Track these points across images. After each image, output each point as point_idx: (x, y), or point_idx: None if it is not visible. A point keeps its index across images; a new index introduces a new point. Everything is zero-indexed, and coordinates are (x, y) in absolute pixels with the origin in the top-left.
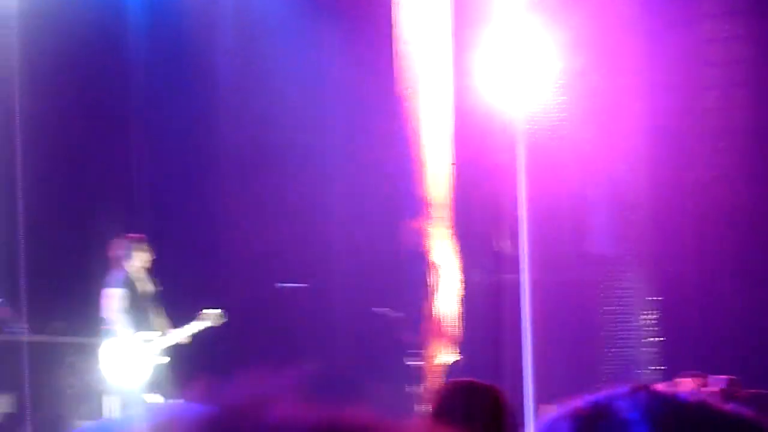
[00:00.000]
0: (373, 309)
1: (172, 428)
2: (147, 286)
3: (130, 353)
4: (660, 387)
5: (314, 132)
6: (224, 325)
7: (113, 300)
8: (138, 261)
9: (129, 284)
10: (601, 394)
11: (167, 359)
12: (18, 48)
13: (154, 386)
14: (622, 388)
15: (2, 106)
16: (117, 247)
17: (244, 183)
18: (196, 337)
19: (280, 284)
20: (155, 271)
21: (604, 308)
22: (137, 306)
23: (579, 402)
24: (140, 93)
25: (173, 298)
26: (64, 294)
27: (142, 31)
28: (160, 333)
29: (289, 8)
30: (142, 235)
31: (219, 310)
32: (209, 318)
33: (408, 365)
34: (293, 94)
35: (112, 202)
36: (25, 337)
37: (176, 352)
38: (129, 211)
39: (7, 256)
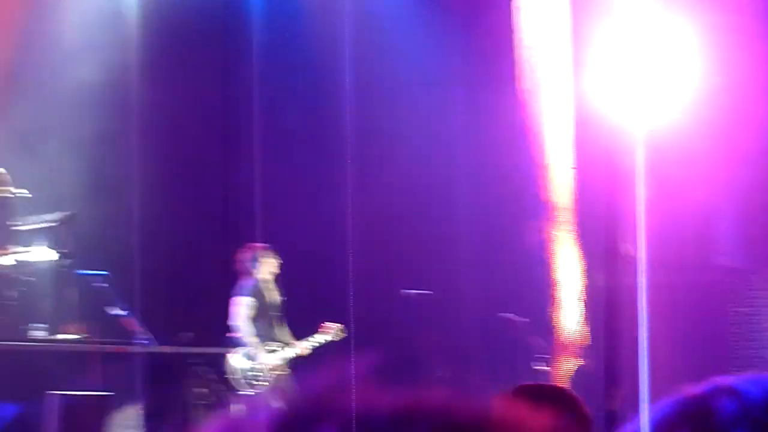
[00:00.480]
0: (499, 314)
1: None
2: (273, 295)
3: (255, 363)
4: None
5: (437, 137)
6: (350, 332)
7: (240, 309)
8: (265, 270)
9: (256, 293)
10: (706, 387)
11: (288, 370)
12: (136, 45)
13: (278, 395)
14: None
15: (119, 106)
16: (244, 256)
17: (366, 189)
18: (320, 347)
19: (405, 291)
20: (279, 280)
21: (728, 312)
22: (264, 315)
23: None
24: (258, 95)
25: (296, 307)
26: (192, 304)
27: (260, 31)
28: (283, 344)
29: (410, 12)
30: (268, 244)
31: (340, 325)
32: (331, 332)
33: (535, 370)
34: (415, 100)
35: (237, 210)
36: (153, 348)
37: (301, 360)
38: (254, 219)
39: (133, 267)
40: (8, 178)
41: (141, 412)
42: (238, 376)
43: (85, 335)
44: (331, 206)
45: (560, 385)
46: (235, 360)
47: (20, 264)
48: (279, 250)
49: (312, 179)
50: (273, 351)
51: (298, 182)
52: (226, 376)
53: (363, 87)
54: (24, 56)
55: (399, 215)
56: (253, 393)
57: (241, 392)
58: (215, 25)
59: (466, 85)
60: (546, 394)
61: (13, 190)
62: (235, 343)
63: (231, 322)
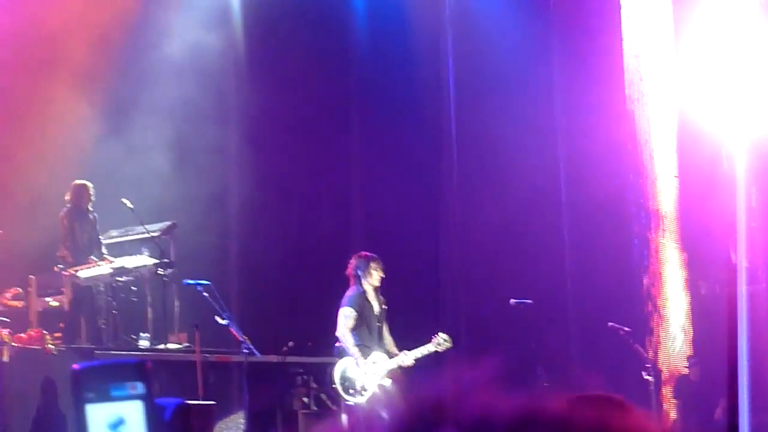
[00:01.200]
0: (609, 324)
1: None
2: (378, 304)
3: (361, 372)
4: None
5: (541, 146)
6: (458, 340)
7: (346, 319)
8: (372, 279)
9: (362, 303)
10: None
11: (392, 380)
12: (241, 43)
13: (383, 405)
14: None
15: (220, 115)
16: (353, 266)
17: (471, 198)
18: (425, 357)
19: (514, 300)
20: (383, 290)
21: None
22: (369, 325)
23: None
24: (358, 100)
25: (402, 316)
26: (295, 313)
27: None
28: (389, 353)
29: (516, 19)
30: (375, 254)
31: (447, 336)
32: (440, 343)
33: (645, 380)
34: (518, 106)
35: (343, 219)
36: (255, 357)
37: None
38: (359, 228)
39: (235, 276)
40: (91, 191)
41: (244, 420)
42: (344, 385)
43: (188, 344)
44: (437, 215)
45: (617, 395)
46: (341, 369)
47: (120, 271)
48: (385, 259)
49: (416, 187)
50: (376, 361)
51: (402, 191)
52: (333, 386)
53: (464, 94)
54: (130, 63)
55: (503, 225)
56: (358, 403)
57: (346, 402)
58: (317, 30)
59: (570, 92)
60: (611, 404)
61: (126, 202)
62: (340, 353)
63: (337, 332)
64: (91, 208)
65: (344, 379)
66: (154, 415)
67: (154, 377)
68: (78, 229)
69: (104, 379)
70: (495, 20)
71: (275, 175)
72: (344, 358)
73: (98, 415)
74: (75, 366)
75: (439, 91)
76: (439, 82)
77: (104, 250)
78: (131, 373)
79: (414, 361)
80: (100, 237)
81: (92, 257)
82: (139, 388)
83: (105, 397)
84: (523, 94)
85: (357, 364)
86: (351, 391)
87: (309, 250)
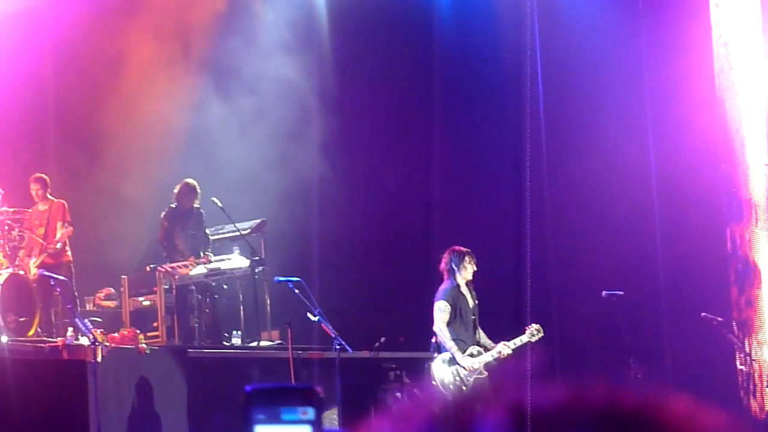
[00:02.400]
0: (703, 314)
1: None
2: (471, 298)
3: (456, 367)
4: None
5: (630, 137)
6: (549, 334)
7: (441, 314)
8: (467, 273)
9: (456, 297)
10: None
11: (486, 373)
12: (326, 38)
13: (478, 399)
14: None
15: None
16: (447, 259)
17: (564, 192)
18: (520, 348)
19: (605, 292)
20: (476, 283)
21: None
22: (463, 319)
23: None
24: (447, 96)
25: (490, 311)
26: (388, 308)
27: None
28: (482, 347)
29: (603, 8)
30: (468, 249)
31: (538, 325)
32: (534, 333)
33: (739, 370)
34: (610, 98)
35: (435, 214)
36: (349, 354)
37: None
38: (450, 222)
39: (329, 273)
40: (198, 189)
41: (337, 416)
42: (443, 381)
43: (280, 341)
44: (524, 209)
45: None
46: (437, 365)
47: (214, 272)
48: (477, 253)
49: (502, 180)
50: (473, 355)
51: (488, 185)
52: (433, 383)
53: (551, 86)
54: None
55: (593, 216)
56: (453, 397)
57: (443, 396)
58: (401, 25)
59: (659, 82)
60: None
61: (215, 201)
62: (437, 348)
63: (434, 327)
64: (197, 206)
65: (443, 375)
66: None
67: (323, 404)
68: (178, 230)
69: (275, 401)
70: (581, 10)
71: (361, 171)
72: (442, 354)
73: None
74: (247, 387)
75: (526, 83)
76: (526, 75)
77: (210, 250)
78: (303, 398)
79: (511, 352)
80: (207, 233)
81: (191, 257)
82: (310, 413)
83: (275, 419)
84: (612, 86)
85: (455, 358)
86: (450, 386)
87: (397, 245)
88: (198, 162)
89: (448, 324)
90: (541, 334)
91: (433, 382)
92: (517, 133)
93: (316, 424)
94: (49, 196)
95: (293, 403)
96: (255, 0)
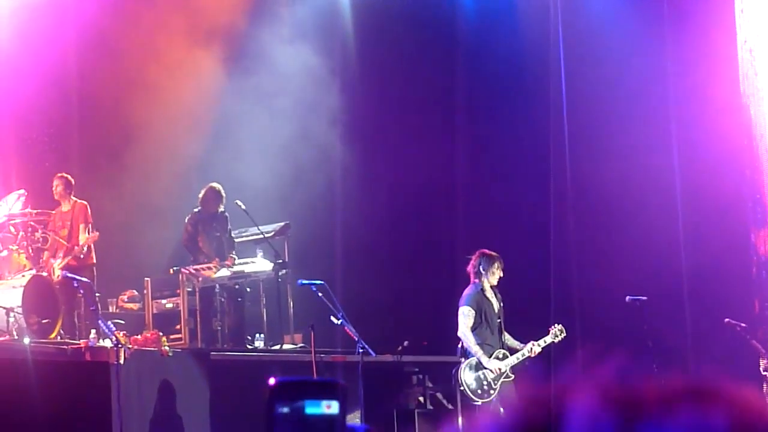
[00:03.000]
0: (726, 320)
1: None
2: (497, 302)
3: (483, 371)
4: None
5: (656, 138)
6: (572, 338)
7: (467, 318)
8: (494, 278)
9: (482, 300)
10: None
11: (513, 376)
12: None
13: (506, 401)
14: None
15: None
16: (476, 262)
17: (587, 197)
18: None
19: (629, 297)
20: (500, 286)
21: None
22: (491, 323)
23: None
24: (470, 98)
25: (513, 316)
26: (411, 312)
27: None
28: (511, 349)
29: (627, 11)
30: (495, 252)
31: (562, 326)
32: (557, 334)
33: (763, 375)
34: (634, 102)
35: (460, 218)
36: (372, 357)
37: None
38: (476, 226)
39: (352, 276)
40: (223, 194)
41: (360, 420)
42: (470, 386)
43: (303, 345)
44: (547, 213)
45: None
46: (466, 370)
47: (238, 275)
48: (503, 256)
49: (525, 184)
50: (499, 358)
51: (511, 187)
52: (461, 388)
53: (575, 89)
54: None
55: (617, 221)
56: (482, 402)
57: (474, 402)
58: (424, 27)
59: (683, 87)
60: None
61: (239, 204)
62: (463, 353)
63: (458, 332)
64: (222, 209)
65: (470, 380)
66: None
67: (347, 398)
68: (202, 233)
69: (300, 395)
70: (606, 14)
71: (384, 174)
72: (469, 359)
73: (290, 430)
74: (271, 380)
75: (550, 87)
76: (549, 77)
77: (234, 253)
78: (327, 392)
79: (540, 352)
80: (232, 236)
81: (215, 259)
82: (334, 407)
83: (299, 413)
84: (636, 90)
85: (481, 363)
86: (478, 391)
87: (421, 248)
88: (222, 164)
89: (474, 328)
90: (563, 335)
91: (461, 388)
92: (540, 135)
93: (341, 418)
94: (72, 197)
95: (317, 396)
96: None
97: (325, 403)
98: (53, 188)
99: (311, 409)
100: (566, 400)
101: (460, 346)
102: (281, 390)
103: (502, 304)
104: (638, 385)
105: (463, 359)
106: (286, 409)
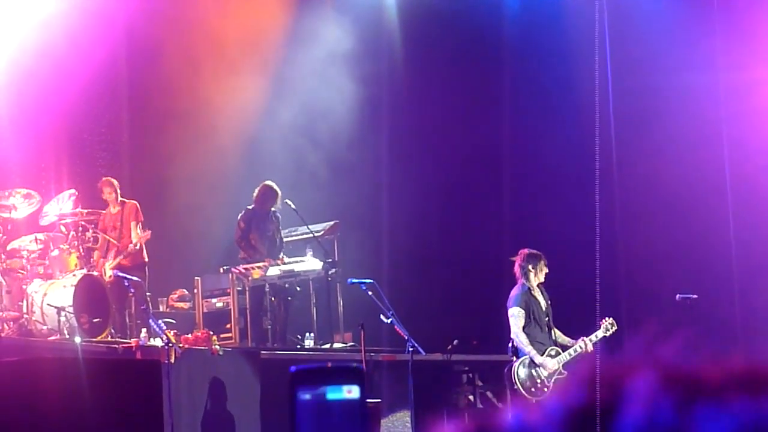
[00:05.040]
0: None
1: None
2: (544, 300)
3: (537, 369)
4: None
5: (706, 135)
6: (620, 336)
7: (518, 318)
8: (541, 276)
9: (529, 300)
10: None
11: (565, 373)
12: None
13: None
14: None
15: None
16: (520, 263)
17: (637, 196)
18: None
19: (680, 295)
20: (545, 284)
21: None
22: (540, 321)
23: None
24: (516, 100)
25: (561, 316)
26: (461, 311)
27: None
28: (563, 346)
29: (677, 7)
30: (539, 252)
31: (612, 319)
32: (608, 327)
33: None
34: (684, 101)
35: (506, 217)
36: (422, 356)
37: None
38: (522, 225)
39: (402, 275)
40: (278, 192)
41: (410, 419)
42: (525, 385)
43: (353, 343)
44: (596, 211)
45: None
46: (517, 369)
47: (288, 274)
48: (547, 254)
49: (573, 183)
50: (551, 356)
51: (558, 188)
52: (515, 387)
53: (622, 89)
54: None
55: (667, 219)
56: (536, 400)
57: (525, 399)
58: (471, 29)
59: (733, 86)
60: None
61: (289, 203)
62: (515, 352)
63: (512, 334)
64: (274, 209)
65: (524, 378)
66: (367, 421)
67: (366, 382)
68: (255, 231)
69: (320, 381)
70: (653, 10)
71: (432, 173)
72: (521, 357)
73: (312, 416)
74: (292, 367)
75: (596, 84)
76: (596, 78)
77: (283, 253)
78: (348, 377)
79: (593, 347)
80: (282, 236)
81: (268, 258)
82: (355, 392)
83: (320, 399)
84: (685, 90)
85: (534, 362)
86: (533, 389)
87: (470, 246)
88: (270, 164)
89: (524, 328)
90: (615, 328)
91: (515, 387)
92: (587, 135)
93: (362, 402)
94: (121, 198)
95: (338, 382)
96: (326, 4)
97: (345, 388)
98: (102, 194)
99: (332, 394)
100: (624, 382)
101: (510, 345)
102: (302, 377)
103: (549, 302)
104: (698, 366)
105: (514, 358)
106: (307, 396)
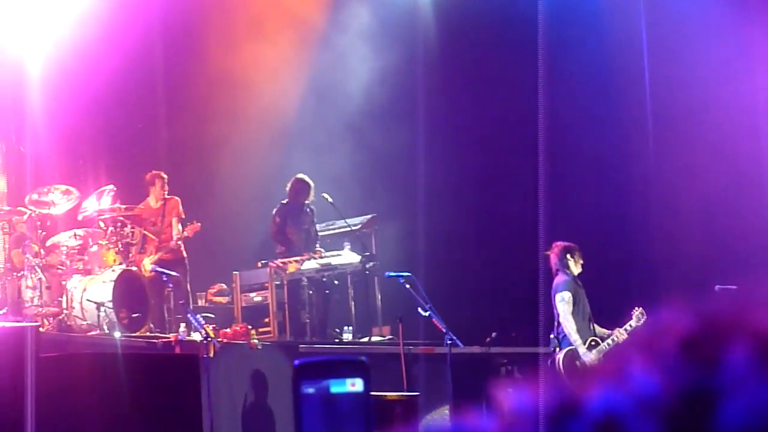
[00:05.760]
0: None
1: None
2: (583, 290)
3: (583, 359)
4: None
5: (744, 129)
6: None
7: (567, 304)
8: (579, 267)
9: (576, 288)
10: None
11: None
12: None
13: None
14: None
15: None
16: (558, 256)
17: (676, 187)
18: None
19: (719, 287)
20: (585, 275)
21: None
22: (583, 310)
23: None
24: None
25: (599, 307)
26: (498, 303)
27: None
28: (600, 336)
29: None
30: (575, 244)
31: (641, 309)
32: (639, 317)
33: None
34: (721, 95)
35: (540, 210)
36: (460, 349)
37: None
38: (557, 217)
39: (440, 268)
40: (311, 185)
41: (449, 412)
42: (569, 375)
43: (392, 337)
44: (635, 203)
45: None
46: (564, 358)
47: (326, 267)
48: (584, 245)
49: (611, 175)
50: (592, 345)
51: (598, 178)
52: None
53: (660, 84)
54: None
55: (705, 210)
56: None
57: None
58: (506, 27)
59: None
60: None
61: (326, 196)
62: (556, 343)
63: (560, 318)
64: (309, 201)
65: (570, 368)
66: (371, 413)
67: (371, 374)
68: (290, 225)
69: (324, 374)
70: (691, 7)
71: (468, 165)
72: (564, 349)
73: (317, 409)
74: (296, 361)
75: (634, 82)
76: (632, 70)
77: (317, 245)
78: (351, 370)
79: (627, 336)
80: (317, 229)
81: (305, 251)
82: (359, 385)
83: (324, 392)
84: (722, 82)
85: (578, 350)
86: (569, 377)
87: (507, 239)
88: (307, 158)
89: (567, 317)
90: (645, 317)
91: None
92: (625, 131)
93: (366, 395)
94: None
95: (342, 375)
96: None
97: (349, 381)
98: (155, 186)
99: (336, 387)
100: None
101: (553, 336)
102: (306, 370)
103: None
104: None
105: (557, 348)
106: (311, 389)
